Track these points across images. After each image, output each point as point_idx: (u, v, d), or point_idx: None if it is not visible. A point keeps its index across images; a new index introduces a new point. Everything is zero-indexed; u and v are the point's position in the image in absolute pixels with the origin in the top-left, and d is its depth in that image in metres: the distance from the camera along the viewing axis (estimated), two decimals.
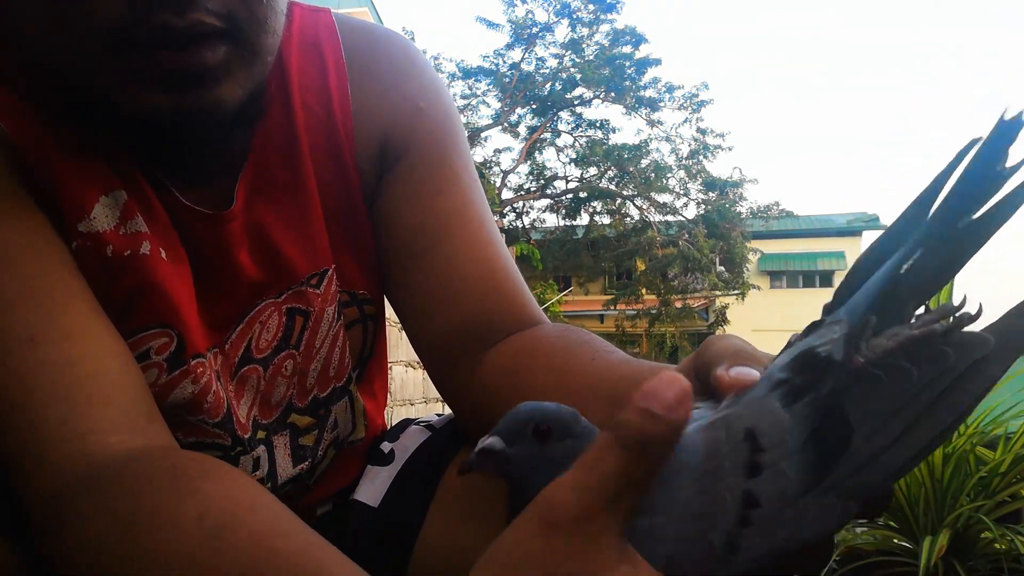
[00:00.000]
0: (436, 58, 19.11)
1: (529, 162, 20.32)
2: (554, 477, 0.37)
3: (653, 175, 19.36)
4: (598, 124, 20.20)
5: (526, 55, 19.48)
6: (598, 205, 20.45)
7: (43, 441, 0.52)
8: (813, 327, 0.39)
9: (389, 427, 0.89)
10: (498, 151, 20.68)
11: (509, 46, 19.43)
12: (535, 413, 0.42)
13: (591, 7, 18.81)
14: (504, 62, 19.60)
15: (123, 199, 0.63)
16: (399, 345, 4.14)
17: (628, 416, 0.35)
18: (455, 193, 0.76)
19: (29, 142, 0.59)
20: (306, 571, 0.43)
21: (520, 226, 20.17)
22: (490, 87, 19.82)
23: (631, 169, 19.37)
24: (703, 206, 19.74)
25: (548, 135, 20.23)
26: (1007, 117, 0.38)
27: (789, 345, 0.40)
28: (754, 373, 0.42)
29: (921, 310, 0.40)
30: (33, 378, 0.53)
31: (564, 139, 20.37)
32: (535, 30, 19.20)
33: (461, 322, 0.73)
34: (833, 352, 0.36)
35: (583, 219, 20.65)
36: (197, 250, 0.67)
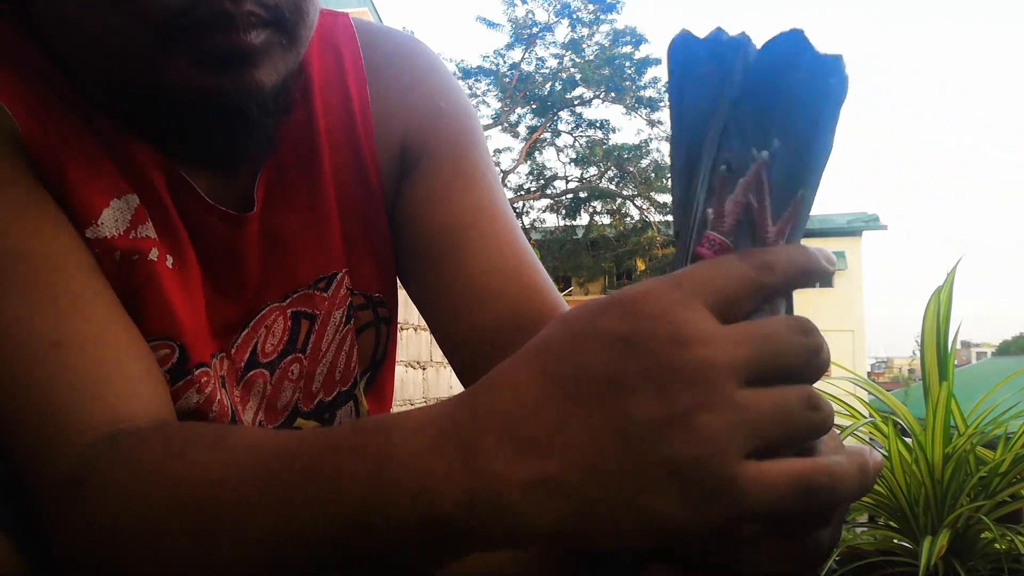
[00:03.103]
0: None
1: (529, 162, 20.32)
2: None
3: (653, 175, 19.35)
4: (598, 124, 20.20)
5: (526, 55, 19.48)
6: (598, 205, 20.46)
7: (72, 426, 0.52)
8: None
9: None
10: (498, 151, 20.61)
11: (509, 46, 19.43)
12: None
13: (591, 7, 18.81)
14: (504, 62, 19.61)
15: (135, 203, 0.63)
16: (399, 345, 4.14)
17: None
18: (480, 190, 0.76)
19: (43, 146, 0.59)
20: (368, 429, 0.42)
21: (520, 226, 20.17)
22: (490, 87, 19.82)
23: (631, 169, 19.36)
24: None
25: (548, 135, 20.23)
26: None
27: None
28: None
29: None
30: (60, 379, 0.53)
31: (564, 139, 20.39)
32: (535, 30, 19.20)
33: (495, 318, 0.73)
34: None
35: (583, 219, 20.67)
36: (211, 252, 0.67)
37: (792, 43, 0.39)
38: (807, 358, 0.37)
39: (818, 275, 0.40)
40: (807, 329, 0.38)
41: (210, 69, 0.57)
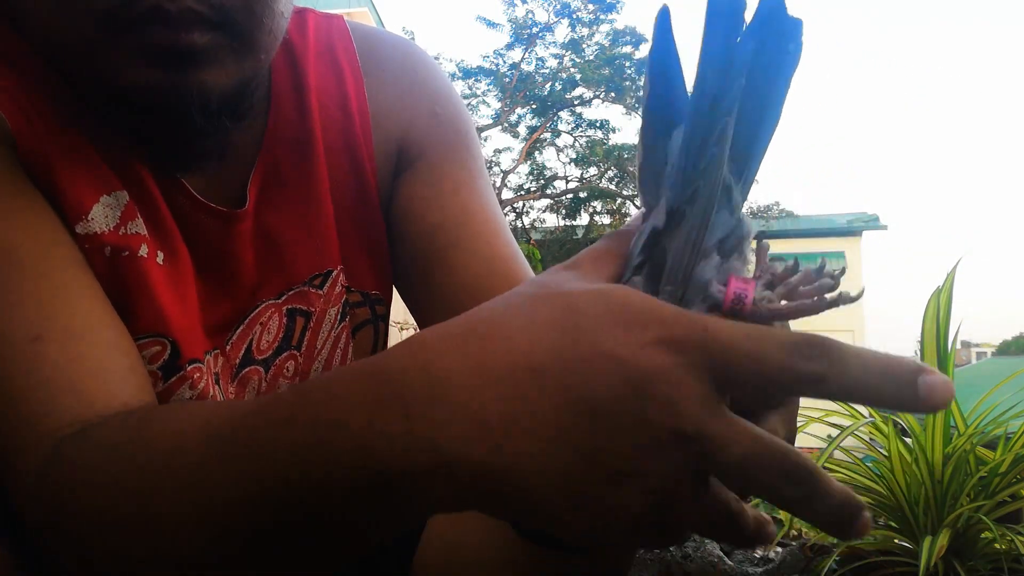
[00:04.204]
0: (436, 58, 19.04)
1: (529, 162, 20.30)
2: None
3: None
4: (598, 124, 20.18)
5: (526, 55, 19.47)
6: (598, 205, 20.44)
7: (48, 423, 0.52)
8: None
9: None
10: (498, 151, 20.61)
11: (509, 46, 19.41)
12: None
13: (591, 7, 18.79)
14: (504, 62, 19.59)
15: (124, 200, 0.63)
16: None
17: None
18: (473, 193, 0.77)
19: (32, 143, 0.59)
20: (305, 392, 0.43)
21: (520, 226, 20.16)
22: (490, 87, 19.81)
23: (631, 169, 19.34)
24: None
25: (548, 135, 20.22)
26: None
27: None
28: None
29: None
30: (40, 373, 0.53)
31: (564, 139, 20.36)
32: (535, 30, 19.19)
33: None
34: (659, 223, 0.42)
35: (583, 219, 20.65)
36: (203, 249, 0.67)
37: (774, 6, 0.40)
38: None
39: None
40: (802, 468, 0.37)
41: (151, 66, 0.57)
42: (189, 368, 0.66)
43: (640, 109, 0.44)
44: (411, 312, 0.80)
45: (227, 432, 0.43)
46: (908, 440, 2.02)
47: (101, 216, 0.62)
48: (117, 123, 0.63)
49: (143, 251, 0.63)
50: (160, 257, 0.64)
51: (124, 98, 0.60)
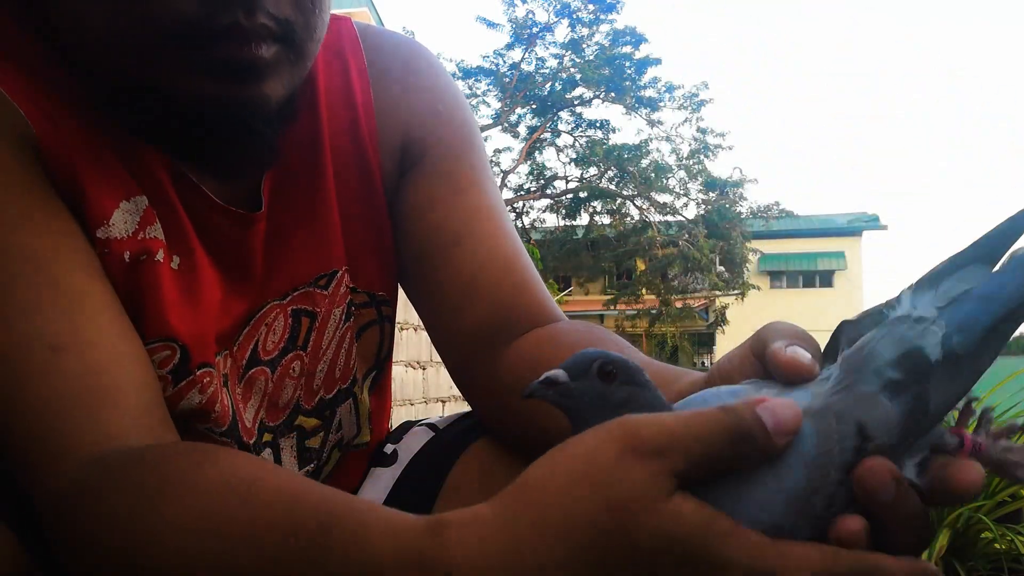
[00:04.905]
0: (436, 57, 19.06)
1: (529, 162, 20.34)
2: (615, 414, 0.42)
3: (653, 175, 19.36)
4: (598, 124, 20.21)
5: (526, 55, 19.49)
6: (598, 205, 20.48)
7: (64, 442, 0.53)
8: (878, 317, 0.45)
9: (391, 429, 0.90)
10: (498, 151, 20.61)
11: (509, 46, 19.44)
12: (603, 355, 0.45)
13: (591, 7, 18.81)
14: (504, 62, 19.62)
15: (143, 205, 0.63)
16: (399, 345, 4.14)
17: (746, 412, 0.39)
18: (477, 192, 0.78)
19: (57, 147, 0.60)
20: (336, 505, 0.44)
21: (520, 226, 20.17)
22: (490, 87, 19.83)
23: (631, 169, 19.37)
24: (703, 206, 19.76)
25: (548, 135, 20.24)
26: None
27: (846, 329, 0.46)
28: (807, 355, 0.45)
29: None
30: (56, 385, 0.54)
31: (564, 139, 20.40)
32: (535, 30, 19.20)
33: (487, 317, 0.74)
34: (934, 355, 0.42)
35: (583, 219, 20.69)
36: (220, 252, 0.68)
37: None
38: None
39: None
40: None
41: (219, 79, 0.59)
42: (199, 372, 0.66)
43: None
44: (415, 308, 0.81)
45: (247, 552, 0.44)
46: None
47: (121, 221, 0.62)
48: (138, 129, 0.63)
49: (159, 256, 0.64)
50: (175, 261, 0.65)
51: (186, 109, 0.60)
